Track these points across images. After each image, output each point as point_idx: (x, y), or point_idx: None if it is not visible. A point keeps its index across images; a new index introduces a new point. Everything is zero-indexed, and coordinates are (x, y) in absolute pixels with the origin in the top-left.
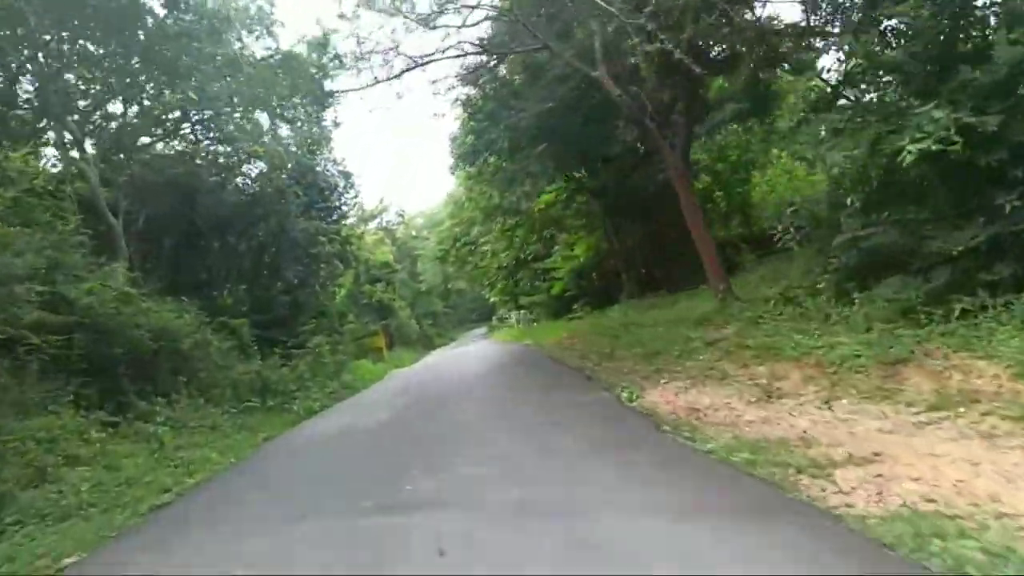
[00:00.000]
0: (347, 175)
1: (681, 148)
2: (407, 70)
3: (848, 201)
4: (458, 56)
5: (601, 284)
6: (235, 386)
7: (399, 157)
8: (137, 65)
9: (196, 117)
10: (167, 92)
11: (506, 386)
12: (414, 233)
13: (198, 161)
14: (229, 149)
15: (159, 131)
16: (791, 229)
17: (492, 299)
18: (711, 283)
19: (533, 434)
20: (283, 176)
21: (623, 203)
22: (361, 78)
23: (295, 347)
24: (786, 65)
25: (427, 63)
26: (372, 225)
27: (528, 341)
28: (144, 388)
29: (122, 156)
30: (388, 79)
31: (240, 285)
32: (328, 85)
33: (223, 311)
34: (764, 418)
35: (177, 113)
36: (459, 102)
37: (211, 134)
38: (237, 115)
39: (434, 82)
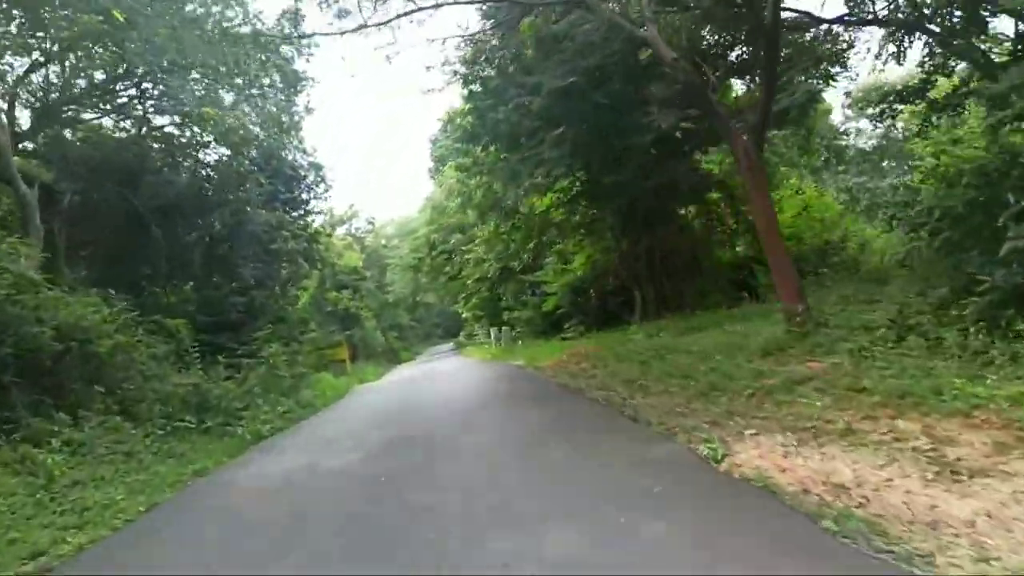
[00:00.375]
0: (318, 166)
1: (754, 129)
2: (404, 14)
3: (1011, 199)
4: (468, 2)
5: (599, 302)
6: (166, 401)
7: (372, 159)
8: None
9: (148, 86)
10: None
11: (517, 421)
12: (384, 242)
13: (149, 142)
14: (184, 127)
15: (107, 106)
16: (924, 235)
17: (465, 314)
18: (785, 304)
19: (605, 519)
20: (244, 161)
21: (641, 207)
22: (344, 23)
23: (246, 356)
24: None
25: (435, 6)
26: (341, 231)
27: (519, 361)
28: (42, 400)
29: (56, 127)
30: (379, 25)
31: (188, 282)
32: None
33: (165, 311)
34: (990, 516)
35: (127, 86)
36: (458, 76)
37: (164, 102)
38: (198, 89)
39: (432, 41)
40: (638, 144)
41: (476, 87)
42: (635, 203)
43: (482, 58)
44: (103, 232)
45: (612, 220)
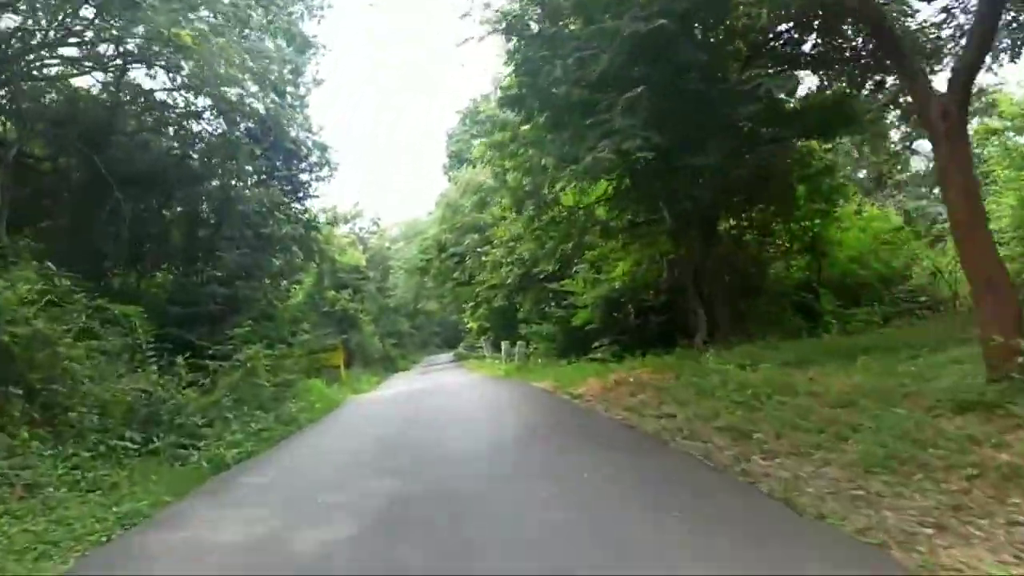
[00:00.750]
0: (322, 146)
1: (957, 83)
2: None
3: None
4: None
5: (639, 319)
6: (105, 411)
7: (381, 157)
8: None
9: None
10: None
11: (578, 480)
12: (388, 244)
13: (125, 98)
14: (173, 93)
15: (88, 63)
16: None
17: (471, 324)
18: (1004, 336)
19: None
20: (237, 129)
21: (720, 202)
22: None
23: (219, 357)
24: None
25: None
26: (344, 229)
27: (543, 383)
28: None
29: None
30: None
31: (161, 265)
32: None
33: (131, 297)
34: None
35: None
36: (502, 24)
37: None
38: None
39: None
40: (743, 114)
41: (520, 42)
42: (719, 197)
43: (533, 4)
44: (65, 199)
45: (673, 220)
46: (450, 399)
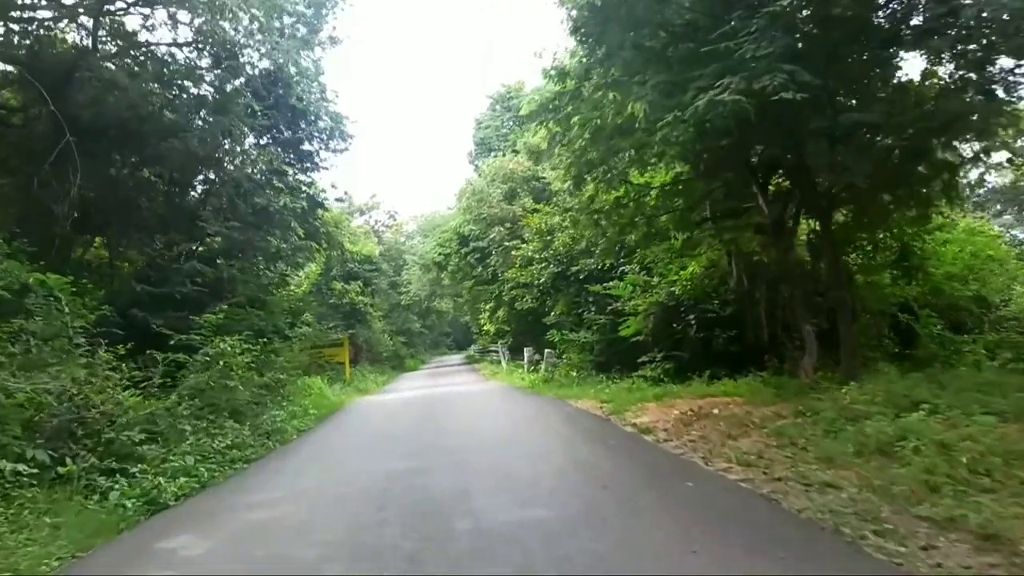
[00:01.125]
0: (337, 117)
1: None
2: None
3: None
4: None
5: (702, 333)
6: (2, 417)
7: (399, 148)
8: None
9: None
10: None
11: None
12: (403, 239)
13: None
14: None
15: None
16: None
17: (488, 327)
18: None
19: None
20: (234, 77)
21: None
22: None
23: (180, 349)
24: None
25: None
26: (359, 221)
27: (586, 403)
28: None
29: None
30: None
31: (134, 237)
32: None
33: (95, 274)
34: None
35: None
36: None
37: None
38: None
39: None
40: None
41: None
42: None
43: None
44: (31, 155)
45: (771, 207)
46: (473, 416)
